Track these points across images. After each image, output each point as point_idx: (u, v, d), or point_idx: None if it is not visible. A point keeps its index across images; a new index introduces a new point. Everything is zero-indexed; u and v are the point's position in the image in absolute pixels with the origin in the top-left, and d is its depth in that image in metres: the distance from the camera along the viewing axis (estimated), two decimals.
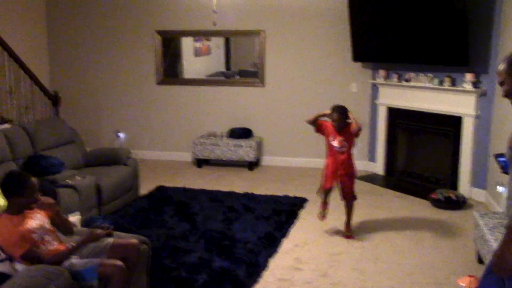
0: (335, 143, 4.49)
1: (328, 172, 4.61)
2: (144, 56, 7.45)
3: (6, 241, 2.79)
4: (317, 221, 4.84)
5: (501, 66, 2.06)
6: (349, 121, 4.49)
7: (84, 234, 3.08)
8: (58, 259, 2.85)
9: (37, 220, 2.94)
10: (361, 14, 6.33)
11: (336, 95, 6.88)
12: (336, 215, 4.84)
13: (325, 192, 4.67)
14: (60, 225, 3.10)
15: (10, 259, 2.81)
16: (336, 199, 4.75)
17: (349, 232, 4.62)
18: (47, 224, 2.99)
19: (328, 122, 4.53)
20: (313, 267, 3.99)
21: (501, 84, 2.10)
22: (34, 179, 2.95)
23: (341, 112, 4.43)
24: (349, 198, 4.64)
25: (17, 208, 2.88)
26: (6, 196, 2.90)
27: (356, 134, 4.51)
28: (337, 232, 4.70)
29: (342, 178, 4.57)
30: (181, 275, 3.75)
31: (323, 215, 4.71)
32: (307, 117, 4.58)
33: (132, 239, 3.18)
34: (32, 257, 2.78)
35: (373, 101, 6.80)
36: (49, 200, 2.97)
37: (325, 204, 4.71)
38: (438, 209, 5.35)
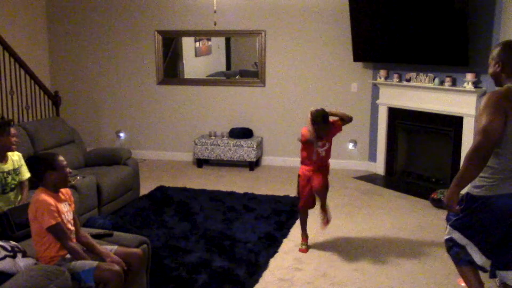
0: (322, 150, 4.23)
1: (303, 183, 4.32)
2: (144, 56, 7.45)
3: (41, 208, 2.84)
4: (317, 221, 4.83)
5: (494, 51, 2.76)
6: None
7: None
8: (75, 253, 2.89)
9: (65, 208, 3.02)
10: (361, 14, 6.34)
11: (337, 95, 6.89)
12: (336, 215, 4.84)
13: (305, 213, 4.40)
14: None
15: (13, 256, 2.81)
16: (334, 200, 4.74)
17: (326, 216, 4.39)
18: (71, 214, 3.06)
19: (308, 132, 4.17)
20: (313, 267, 3.99)
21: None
22: (61, 156, 3.03)
23: (326, 119, 4.12)
24: (324, 190, 4.31)
25: (53, 185, 2.96)
26: (39, 175, 2.96)
27: (340, 128, 4.31)
28: (337, 232, 4.70)
29: (317, 174, 4.25)
30: (181, 275, 3.75)
31: (306, 248, 4.36)
32: (300, 136, 4.19)
33: (136, 248, 3.21)
34: (60, 231, 2.85)
35: (374, 101, 6.80)
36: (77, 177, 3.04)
37: (306, 235, 4.43)
38: (438, 209, 5.34)
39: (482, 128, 2.54)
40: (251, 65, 7.36)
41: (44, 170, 2.93)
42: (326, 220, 4.42)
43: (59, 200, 2.98)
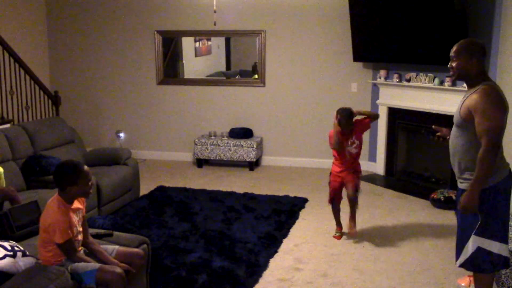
0: (352, 148, 4.45)
1: (332, 179, 4.59)
2: (144, 56, 7.45)
3: (55, 223, 2.84)
4: (317, 221, 4.84)
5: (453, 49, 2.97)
6: (356, 118, 4.50)
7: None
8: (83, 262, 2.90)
9: (77, 217, 3.00)
10: (361, 14, 6.33)
11: (337, 95, 6.89)
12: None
13: (336, 206, 4.63)
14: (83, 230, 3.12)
15: (13, 255, 2.81)
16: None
17: (352, 229, 4.57)
18: (81, 223, 3.05)
19: (338, 131, 4.41)
20: (313, 267, 3.99)
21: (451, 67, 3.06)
22: (87, 168, 3.02)
23: (349, 117, 4.35)
24: (353, 194, 4.52)
25: (71, 197, 2.95)
26: (61, 186, 2.94)
27: (369, 126, 4.61)
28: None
29: (348, 174, 4.50)
30: (181, 275, 3.75)
31: (340, 235, 4.63)
32: (332, 144, 4.42)
33: (137, 249, 3.21)
34: (69, 247, 2.86)
35: (374, 101, 6.80)
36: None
37: (339, 225, 4.67)
38: (438, 209, 5.35)
39: (493, 126, 2.70)
40: (251, 65, 7.36)
41: (67, 184, 2.92)
42: (352, 227, 4.57)
43: (72, 211, 2.96)
